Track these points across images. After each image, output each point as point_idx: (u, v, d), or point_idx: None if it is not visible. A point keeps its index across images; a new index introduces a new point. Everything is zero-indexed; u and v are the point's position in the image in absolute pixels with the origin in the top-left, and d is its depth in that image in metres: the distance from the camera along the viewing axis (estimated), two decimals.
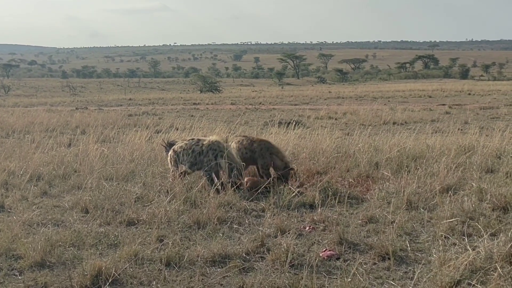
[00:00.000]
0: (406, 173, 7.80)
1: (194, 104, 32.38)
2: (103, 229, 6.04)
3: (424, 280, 4.54)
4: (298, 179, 8.07)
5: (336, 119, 19.80)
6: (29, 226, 6.15)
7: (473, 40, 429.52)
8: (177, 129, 13.43)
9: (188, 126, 13.22)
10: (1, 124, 16.62)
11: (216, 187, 7.19)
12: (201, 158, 7.70)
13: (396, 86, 54.40)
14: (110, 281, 4.58)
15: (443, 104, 26.42)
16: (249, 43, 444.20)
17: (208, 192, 7.16)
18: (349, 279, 4.53)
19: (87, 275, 4.65)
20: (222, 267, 4.98)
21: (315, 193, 7.06)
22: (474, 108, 23.31)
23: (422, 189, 7.16)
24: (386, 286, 4.58)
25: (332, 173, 8.16)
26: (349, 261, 5.08)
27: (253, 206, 6.84)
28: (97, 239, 5.68)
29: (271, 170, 8.13)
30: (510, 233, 5.27)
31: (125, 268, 4.86)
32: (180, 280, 4.72)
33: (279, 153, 8.15)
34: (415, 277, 4.59)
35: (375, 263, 5.03)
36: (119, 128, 14.81)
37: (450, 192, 6.91)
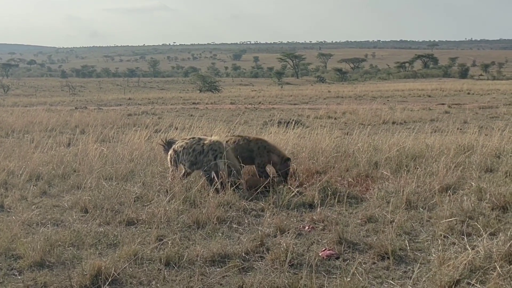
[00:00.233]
0: (405, 173, 7.80)
1: (194, 103, 32.35)
2: (102, 229, 6.04)
3: (424, 279, 4.55)
4: (297, 178, 8.07)
5: (335, 118, 19.80)
6: (29, 226, 6.15)
7: (473, 39, 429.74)
8: (177, 129, 13.42)
9: (188, 125, 13.21)
10: (0, 124, 16.60)
11: (215, 186, 7.19)
12: (201, 158, 7.70)
13: (395, 85, 54.36)
14: (109, 280, 4.59)
15: (443, 104, 26.42)
16: (249, 42, 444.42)
17: (207, 192, 7.16)
18: (349, 279, 4.53)
19: (86, 274, 4.66)
20: (221, 267, 4.98)
21: (314, 192, 7.06)
22: (473, 108, 23.32)
23: (421, 189, 7.16)
24: (386, 285, 4.59)
25: (332, 173, 8.16)
26: (348, 261, 5.09)
27: (252, 206, 6.85)
28: (97, 238, 5.68)
29: (271, 169, 8.14)
30: (509, 233, 5.28)
31: (125, 268, 4.86)
32: (180, 280, 4.72)
33: (276, 150, 8.17)
34: (415, 276, 4.60)
35: (374, 263, 5.04)
36: (119, 128, 14.81)
37: (449, 191, 6.91)
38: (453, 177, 7.53)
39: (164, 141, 8.63)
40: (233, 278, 4.73)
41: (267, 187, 7.45)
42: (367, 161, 8.70)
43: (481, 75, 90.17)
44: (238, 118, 16.08)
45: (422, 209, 6.46)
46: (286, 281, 4.55)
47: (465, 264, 4.61)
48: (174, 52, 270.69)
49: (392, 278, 4.69)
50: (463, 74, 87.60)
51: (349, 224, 6.05)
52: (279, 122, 14.63)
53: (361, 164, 8.51)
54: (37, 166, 9.02)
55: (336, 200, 6.77)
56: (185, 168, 7.93)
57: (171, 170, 8.03)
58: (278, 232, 5.80)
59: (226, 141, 8.19)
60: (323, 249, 5.35)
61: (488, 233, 5.23)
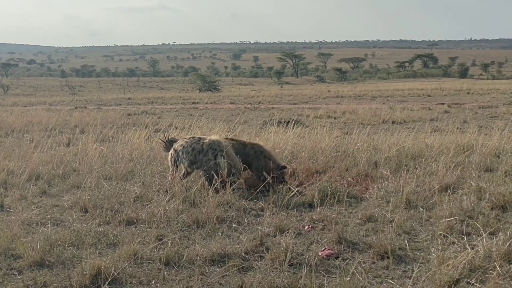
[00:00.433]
0: (405, 172, 7.80)
1: (193, 103, 32.36)
2: (102, 229, 6.04)
3: (423, 279, 4.55)
4: (297, 178, 8.06)
5: (335, 118, 19.80)
6: (28, 226, 6.15)
7: (472, 39, 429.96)
8: (176, 128, 13.41)
9: (187, 125, 13.20)
10: (0, 124, 16.60)
11: (215, 186, 7.19)
12: (201, 157, 7.70)
13: (395, 85, 54.37)
14: (109, 280, 4.58)
15: (442, 103, 26.42)
16: (248, 42, 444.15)
17: (207, 192, 7.16)
18: (348, 278, 4.53)
19: (86, 274, 4.65)
20: (221, 266, 4.98)
21: (314, 192, 7.06)
22: (473, 107, 23.32)
23: (421, 188, 7.17)
24: (385, 285, 4.59)
25: (331, 172, 8.16)
26: (348, 260, 5.09)
27: (252, 206, 6.85)
28: (96, 238, 5.68)
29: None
30: (509, 232, 5.28)
31: (124, 268, 4.86)
32: (179, 280, 4.72)
33: (271, 156, 8.12)
34: (414, 276, 4.59)
35: (374, 262, 5.04)
36: (118, 128, 14.81)
37: (449, 191, 6.91)
38: (452, 176, 7.53)
39: (165, 139, 8.56)
40: (233, 277, 4.73)
41: (267, 187, 7.45)
42: (367, 161, 8.70)
43: (480, 74, 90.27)
44: (237, 118, 16.07)
45: (421, 209, 6.46)
46: (286, 281, 4.55)
47: (465, 263, 4.61)
48: (174, 51, 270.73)
49: (392, 278, 4.69)
50: (463, 73, 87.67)
51: (349, 224, 6.06)
52: (279, 122, 14.63)
53: (360, 164, 8.50)
54: (37, 165, 9.02)
55: (335, 200, 6.77)
56: (185, 168, 7.92)
57: (171, 169, 8.02)
58: (278, 231, 5.79)
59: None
60: (323, 248, 5.35)
61: (487, 232, 5.23)
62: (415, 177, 7.47)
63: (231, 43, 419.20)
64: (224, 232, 5.94)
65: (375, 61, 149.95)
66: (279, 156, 8.80)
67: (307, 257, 5.09)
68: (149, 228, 6.00)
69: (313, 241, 5.62)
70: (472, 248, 4.92)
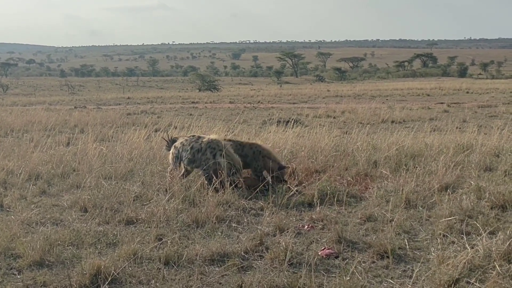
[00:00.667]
0: (404, 172, 7.80)
1: (193, 102, 32.35)
2: (102, 228, 6.04)
3: (423, 278, 4.55)
4: (296, 177, 8.06)
5: (334, 117, 19.80)
6: (28, 225, 6.15)
7: (472, 38, 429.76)
8: (176, 128, 13.41)
9: (187, 125, 13.20)
10: None
11: (214, 185, 7.19)
12: (199, 156, 7.69)
13: (394, 84, 54.36)
14: (109, 280, 4.58)
15: (442, 103, 26.41)
16: (248, 41, 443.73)
17: (206, 191, 7.16)
18: (348, 278, 4.53)
19: (86, 274, 4.65)
20: (220, 266, 4.98)
21: (313, 191, 7.05)
22: (472, 107, 23.32)
23: (420, 188, 7.17)
24: (385, 284, 4.59)
25: (331, 172, 8.16)
26: (347, 260, 5.09)
27: (251, 205, 6.84)
28: (96, 238, 5.67)
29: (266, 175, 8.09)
30: (508, 231, 5.28)
31: (124, 267, 4.85)
32: (179, 279, 4.72)
33: (271, 155, 8.09)
34: (414, 275, 4.60)
35: (373, 262, 5.04)
36: (118, 127, 14.80)
37: (448, 190, 6.91)
38: (452, 176, 7.53)
39: (169, 138, 8.54)
40: (233, 277, 4.73)
41: (266, 186, 7.44)
42: (366, 160, 8.70)
43: (480, 74, 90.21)
44: (237, 117, 16.07)
45: (421, 208, 6.46)
46: (286, 280, 4.55)
47: (465, 263, 4.61)
48: (173, 51, 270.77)
49: (392, 277, 4.69)
50: (462, 73, 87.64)
51: (349, 223, 6.06)
52: (278, 121, 14.63)
53: (360, 163, 8.51)
54: (37, 165, 9.02)
55: (335, 199, 6.77)
56: (184, 166, 7.91)
57: (170, 168, 8.00)
58: (278, 231, 5.79)
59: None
60: (323, 248, 5.35)
61: (487, 232, 5.23)
62: (414, 176, 7.47)
63: (230, 42, 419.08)
64: (223, 231, 5.94)
65: (375, 60, 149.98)
66: (279, 155, 8.79)
67: (306, 256, 5.09)
68: (149, 227, 6.00)
69: (313, 241, 5.62)
70: (472, 248, 4.92)
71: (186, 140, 7.92)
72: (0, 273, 4.87)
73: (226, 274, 4.79)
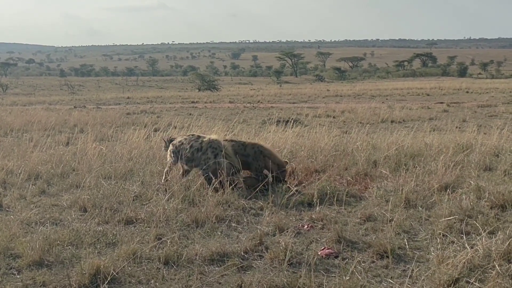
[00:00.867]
0: (404, 171, 7.80)
1: (192, 102, 32.34)
2: (101, 228, 6.03)
3: (422, 278, 4.54)
4: (296, 177, 8.06)
5: (334, 117, 19.80)
6: (27, 225, 6.14)
7: (471, 38, 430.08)
8: (175, 128, 13.42)
9: (187, 124, 13.20)
10: None
11: (214, 185, 7.18)
12: (199, 155, 7.68)
13: (394, 84, 54.36)
14: (108, 280, 4.57)
15: (441, 102, 26.41)
16: (247, 41, 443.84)
17: (206, 191, 7.15)
18: (348, 277, 4.53)
19: (85, 274, 4.65)
20: (220, 266, 4.97)
21: (313, 191, 7.05)
22: (472, 106, 23.32)
23: (420, 187, 7.17)
24: (385, 284, 4.59)
25: (330, 172, 8.16)
26: (347, 260, 5.09)
27: (251, 205, 6.84)
28: (96, 238, 5.67)
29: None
30: (508, 231, 5.28)
31: (124, 267, 4.85)
32: (178, 279, 4.71)
33: (272, 155, 8.07)
34: (413, 275, 4.59)
35: (373, 261, 5.04)
36: (117, 127, 14.81)
37: (448, 190, 6.91)
38: (452, 175, 7.53)
39: (167, 138, 8.53)
40: (232, 277, 4.73)
41: (266, 186, 7.44)
42: (366, 160, 8.70)
43: (479, 73, 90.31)
44: (236, 117, 16.08)
45: (421, 208, 6.46)
46: (285, 280, 4.54)
47: (464, 262, 4.61)
48: (173, 51, 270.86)
49: (391, 277, 4.69)
50: (462, 72, 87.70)
51: (348, 223, 6.05)
52: (278, 121, 14.63)
53: (360, 163, 8.50)
54: (36, 165, 9.01)
55: (335, 199, 6.77)
56: (182, 165, 7.89)
57: (166, 169, 7.97)
58: (277, 231, 5.79)
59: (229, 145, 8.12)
60: (322, 248, 5.35)
61: (487, 231, 5.23)
62: (414, 176, 7.47)
63: (230, 42, 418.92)
64: (223, 231, 5.94)
65: (374, 60, 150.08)
66: (279, 155, 8.78)
67: (306, 256, 5.09)
68: (148, 227, 6.00)
69: (313, 240, 5.61)
70: (472, 247, 4.92)
71: (185, 139, 7.92)
72: (0, 273, 4.86)
73: (225, 274, 4.79)
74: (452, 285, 4.39)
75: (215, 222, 6.16)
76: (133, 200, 7.10)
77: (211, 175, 7.40)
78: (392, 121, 17.77)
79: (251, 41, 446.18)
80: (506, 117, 17.67)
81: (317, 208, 6.55)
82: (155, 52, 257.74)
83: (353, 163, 8.65)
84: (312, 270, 4.65)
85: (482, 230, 5.27)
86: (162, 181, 7.82)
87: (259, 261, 5.10)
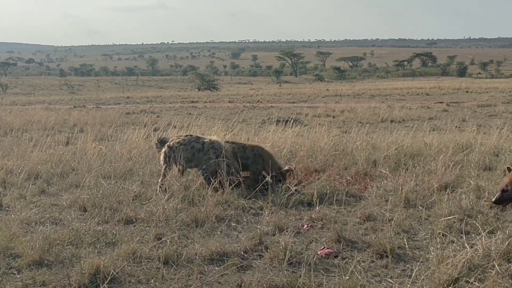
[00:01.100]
0: (404, 171, 7.81)
1: (192, 102, 32.36)
2: (101, 228, 6.03)
3: (422, 277, 4.55)
4: (296, 177, 8.06)
5: (334, 117, 19.80)
6: (27, 225, 6.14)
7: (471, 38, 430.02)
8: (175, 127, 13.42)
9: (186, 124, 13.20)
10: None
11: (214, 185, 7.18)
12: (200, 156, 7.68)
13: (393, 84, 54.40)
14: (108, 279, 4.57)
15: (441, 102, 26.42)
16: (247, 41, 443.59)
17: (206, 190, 7.15)
18: (347, 277, 4.53)
19: (85, 273, 4.65)
20: (220, 265, 4.97)
21: (313, 191, 7.05)
22: (471, 106, 23.33)
23: (420, 187, 7.17)
24: (384, 283, 4.59)
25: (330, 171, 8.16)
26: (347, 259, 5.09)
27: (251, 204, 6.84)
28: (95, 237, 5.67)
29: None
30: (508, 231, 5.29)
31: (123, 267, 4.85)
32: (178, 278, 4.71)
33: (272, 159, 8.03)
34: (413, 274, 4.59)
35: (373, 261, 5.04)
36: (117, 126, 14.81)
37: (448, 189, 6.92)
38: (451, 175, 7.53)
39: (158, 139, 8.50)
40: (232, 276, 4.73)
41: (266, 186, 7.44)
42: (366, 160, 8.70)
43: (479, 73, 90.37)
44: (236, 117, 16.08)
45: (420, 208, 6.46)
46: (285, 280, 4.54)
47: (464, 262, 4.62)
48: (173, 50, 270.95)
49: (391, 277, 4.69)
50: (462, 72, 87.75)
51: (348, 223, 6.05)
52: (278, 121, 14.63)
53: (359, 163, 8.50)
54: (36, 164, 9.01)
55: (334, 199, 6.77)
56: (179, 166, 7.85)
57: (163, 168, 7.93)
58: (277, 230, 5.79)
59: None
60: (322, 247, 5.35)
61: (486, 231, 5.24)
62: (414, 176, 7.47)
63: (230, 42, 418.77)
64: (223, 231, 5.94)
65: (374, 60, 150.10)
66: (278, 155, 8.79)
67: (306, 256, 5.09)
68: (148, 227, 6.00)
69: (312, 240, 5.61)
70: (471, 247, 4.92)
71: (184, 139, 7.89)
72: (0, 273, 4.86)
73: (225, 274, 4.79)
74: (451, 284, 4.39)
75: (214, 221, 6.16)
76: (133, 199, 7.10)
77: (210, 176, 7.40)
78: (391, 121, 17.78)
79: (251, 40, 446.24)
80: (505, 117, 17.69)
81: (317, 208, 6.55)
82: (155, 51, 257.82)
83: (352, 162, 8.65)
84: (312, 269, 4.65)
85: (482, 229, 5.28)
86: (160, 180, 7.79)
87: (258, 260, 5.10)
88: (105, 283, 4.52)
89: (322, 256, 5.16)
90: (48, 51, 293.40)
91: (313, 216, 6.31)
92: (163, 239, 5.53)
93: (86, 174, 8.17)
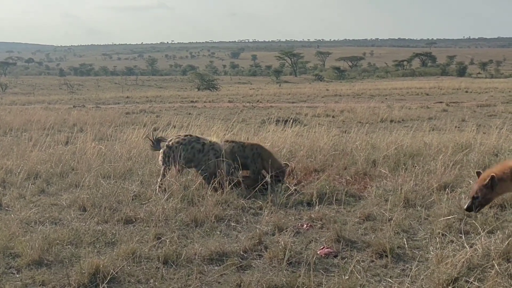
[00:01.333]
0: (403, 171, 7.81)
1: (192, 102, 32.36)
2: (100, 227, 6.03)
3: (422, 277, 4.55)
4: (295, 177, 8.06)
5: (333, 116, 19.80)
6: (27, 224, 6.14)
7: (471, 37, 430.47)
8: (175, 127, 13.42)
9: (186, 124, 13.20)
10: None
11: (213, 185, 7.18)
12: (201, 156, 7.67)
13: (393, 83, 54.42)
14: (108, 279, 4.57)
15: (440, 102, 26.44)
16: (247, 40, 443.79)
17: (205, 190, 7.15)
18: (347, 277, 4.53)
19: (84, 273, 4.65)
20: (219, 265, 4.98)
21: (312, 191, 7.05)
22: (471, 106, 23.34)
23: (419, 187, 7.17)
24: (384, 283, 4.59)
25: (330, 171, 8.16)
26: (346, 259, 5.09)
27: (250, 204, 6.84)
28: (95, 237, 5.67)
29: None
30: (507, 231, 5.29)
31: (123, 266, 4.85)
32: (178, 278, 4.72)
33: (271, 157, 8.02)
34: (413, 274, 4.60)
35: (372, 261, 5.04)
36: (117, 126, 14.82)
37: (447, 189, 6.92)
38: (451, 175, 7.53)
39: (153, 138, 8.44)
40: (231, 276, 4.73)
41: (265, 186, 7.44)
42: (365, 159, 8.70)
43: (479, 73, 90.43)
44: (236, 117, 16.08)
45: (420, 207, 6.46)
46: (284, 279, 4.54)
47: (463, 262, 4.62)
48: (172, 50, 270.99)
49: (390, 276, 4.69)
50: (461, 72, 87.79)
51: (347, 222, 6.05)
52: (277, 121, 14.61)
53: (359, 162, 8.50)
54: (35, 164, 9.01)
55: (334, 198, 6.77)
56: (178, 166, 7.82)
57: (162, 168, 7.90)
58: (276, 230, 5.79)
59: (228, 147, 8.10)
60: (321, 247, 5.35)
61: (486, 231, 5.25)
62: (413, 175, 7.47)
63: (229, 41, 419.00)
64: (222, 230, 5.94)
65: (374, 59, 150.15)
66: (278, 155, 8.78)
67: (305, 255, 5.09)
68: (148, 226, 6.00)
69: (312, 240, 5.61)
70: (471, 247, 4.93)
71: (184, 139, 7.88)
72: None
73: (225, 273, 4.79)
74: (451, 284, 4.39)
75: (214, 221, 6.15)
76: (132, 199, 7.10)
77: (211, 176, 7.41)
78: (391, 121, 17.78)
79: (251, 40, 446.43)
80: (505, 117, 17.68)
81: (316, 208, 6.55)
82: (155, 51, 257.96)
83: (352, 162, 8.65)
84: (311, 269, 4.65)
85: (481, 229, 5.28)
86: (160, 180, 7.78)
87: (258, 260, 5.11)
88: (105, 282, 4.52)
89: (321, 255, 5.16)
90: (47, 50, 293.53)
91: (312, 216, 6.32)
92: (162, 239, 5.53)
93: (85, 174, 8.17)
